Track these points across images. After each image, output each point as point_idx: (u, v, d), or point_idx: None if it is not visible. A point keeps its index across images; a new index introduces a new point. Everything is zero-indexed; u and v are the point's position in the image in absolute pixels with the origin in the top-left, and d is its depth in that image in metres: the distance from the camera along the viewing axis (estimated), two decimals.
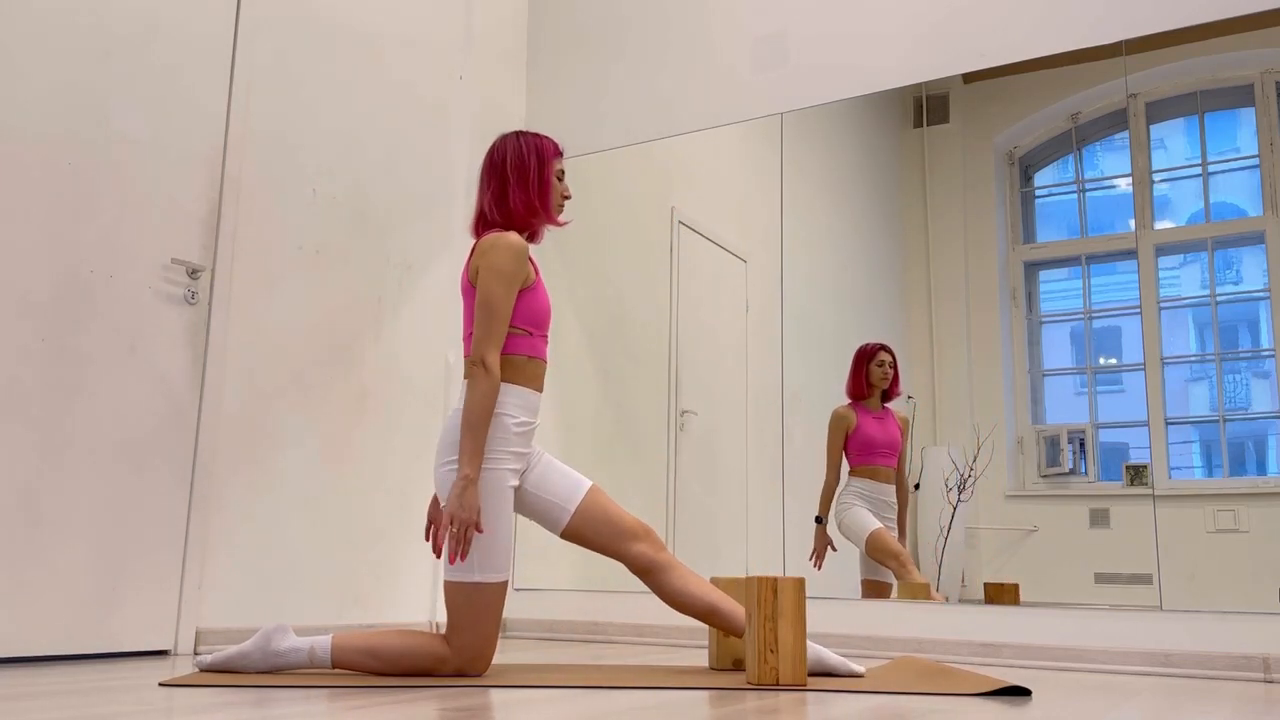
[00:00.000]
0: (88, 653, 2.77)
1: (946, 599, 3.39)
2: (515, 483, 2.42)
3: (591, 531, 2.46)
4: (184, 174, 3.12)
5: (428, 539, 2.48)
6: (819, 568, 3.64)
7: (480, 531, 2.30)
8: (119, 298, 2.91)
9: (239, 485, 3.21)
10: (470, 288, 2.45)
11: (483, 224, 2.53)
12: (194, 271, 3.10)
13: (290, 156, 3.47)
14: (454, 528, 2.27)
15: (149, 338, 2.98)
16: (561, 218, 2.59)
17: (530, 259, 2.50)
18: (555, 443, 4.26)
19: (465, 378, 2.42)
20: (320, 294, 3.54)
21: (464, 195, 4.19)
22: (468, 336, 2.46)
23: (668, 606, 2.47)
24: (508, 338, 2.43)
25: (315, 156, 3.56)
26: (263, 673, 2.29)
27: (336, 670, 2.40)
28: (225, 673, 2.30)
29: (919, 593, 3.46)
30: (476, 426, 2.31)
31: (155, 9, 3.08)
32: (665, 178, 4.20)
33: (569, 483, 2.50)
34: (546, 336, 2.52)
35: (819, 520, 3.68)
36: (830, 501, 3.69)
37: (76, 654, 2.75)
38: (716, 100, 4.11)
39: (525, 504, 2.48)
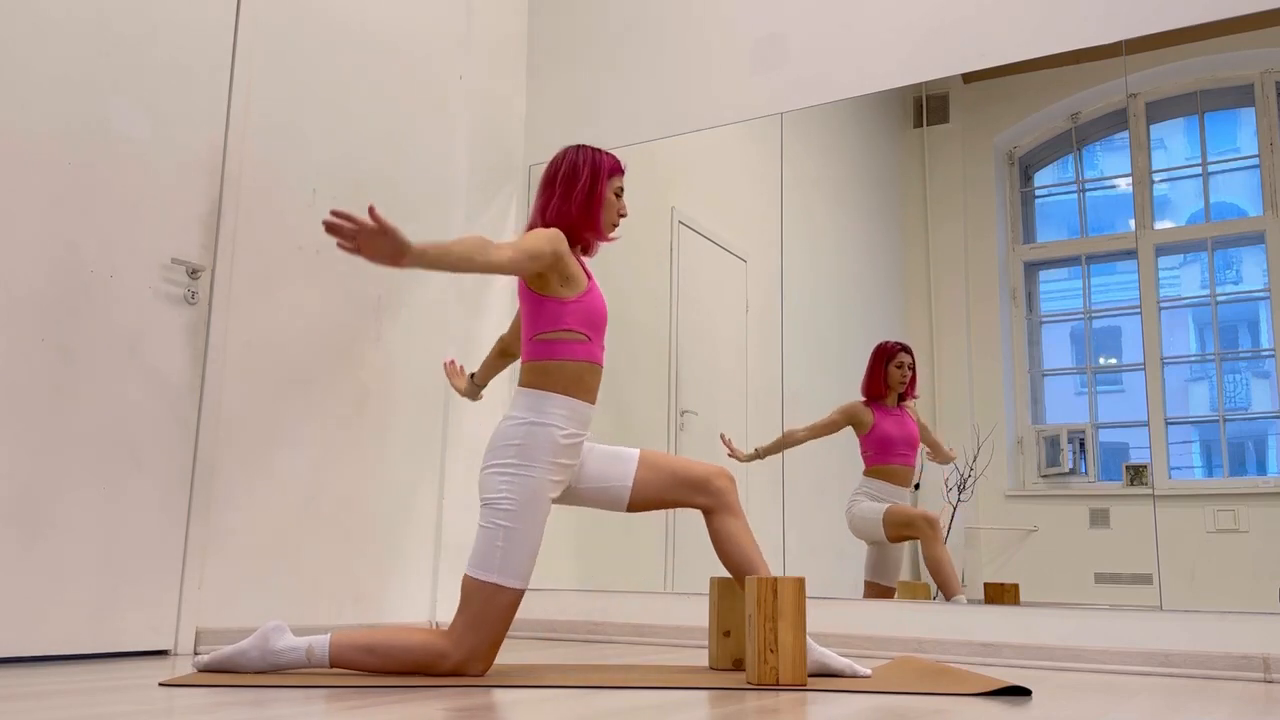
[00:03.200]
0: (88, 653, 2.77)
1: (965, 598, 3.38)
2: (555, 494, 2.43)
3: (656, 497, 2.51)
4: (184, 174, 3.12)
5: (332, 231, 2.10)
6: (730, 450, 3.76)
7: (364, 227, 2.03)
8: (119, 298, 2.91)
9: (239, 485, 3.21)
10: (526, 291, 2.48)
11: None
12: (194, 271, 3.10)
13: (290, 156, 3.47)
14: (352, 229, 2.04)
15: (149, 338, 2.98)
16: (614, 234, 2.60)
17: (584, 266, 2.53)
18: None
19: (520, 385, 2.46)
20: (320, 294, 3.54)
21: (464, 195, 4.20)
22: (526, 340, 2.48)
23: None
24: (563, 344, 2.44)
25: (315, 156, 3.56)
26: (261, 672, 2.29)
27: (335, 669, 2.40)
28: (223, 672, 2.30)
29: (919, 593, 3.46)
30: (444, 260, 2.15)
31: (155, 9, 3.08)
32: (665, 178, 4.20)
33: (619, 463, 2.52)
34: (603, 342, 2.53)
35: (756, 453, 3.72)
36: (780, 445, 3.69)
37: (76, 654, 2.75)
38: (716, 100, 4.11)
39: (581, 498, 2.52)
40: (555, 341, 2.44)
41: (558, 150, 2.61)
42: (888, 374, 3.62)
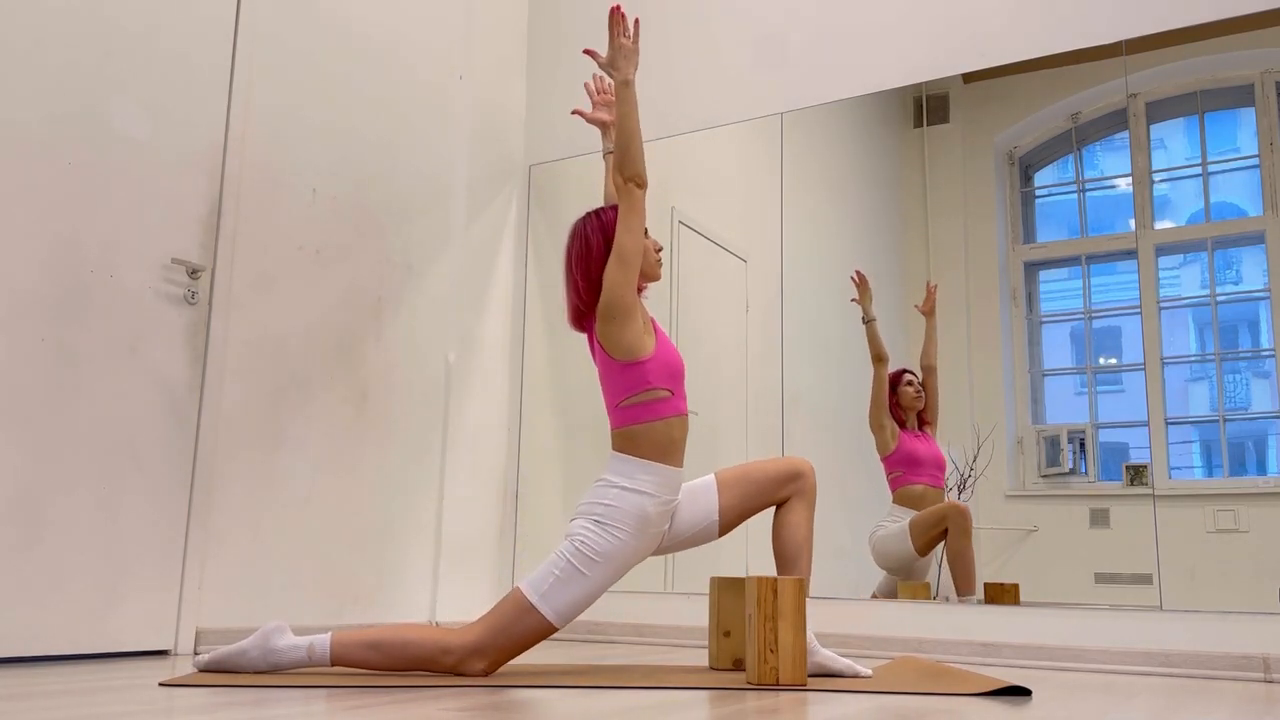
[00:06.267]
0: (88, 653, 2.77)
1: (976, 599, 3.38)
2: (635, 560, 2.43)
3: (743, 512, 2.52)
4: (184, 174, 3.12)
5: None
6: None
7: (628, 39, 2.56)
8: (119, 298, 2.91)
9: (239, 485, 3.21)
10: (606, 360, 2.46)
11: (580, 315, 2.51)
12: (194, 271, 3.10)
13: (290, 156, 3.47)
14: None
15: (149, 338, 2.98)
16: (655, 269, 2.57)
17: (650, 317, 2.51)
18: (556, 443, 4.26)
19: (613, 450, 2.46)
20: (320, 294, 3.54)
21: (464, 195, 4.19)
22: (611, 408, 2.47)
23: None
24: (648, 406, 2.43)
25: (315, 156, 3.56)
26: (261, 672, 2.29)
27: (336, 668, 2.40)
28: (224, 672, 2.30)
29: (919, 593, 3.45)
30: (632, 122, 2.45)
31: (155, 9, 3.08)
32: (665, 178, 4.20)
33: (702, 499, 2.51)
34: (684, 390, 2.51)
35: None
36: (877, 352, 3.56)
37: (76, 654, 2.75)
38: (716, 100, 4.11)
39: (676, 547, 2.52)
40: (640, 405, 2.43)
41: (570, 226, 2.56)
42: (900, 394, 3.57)
